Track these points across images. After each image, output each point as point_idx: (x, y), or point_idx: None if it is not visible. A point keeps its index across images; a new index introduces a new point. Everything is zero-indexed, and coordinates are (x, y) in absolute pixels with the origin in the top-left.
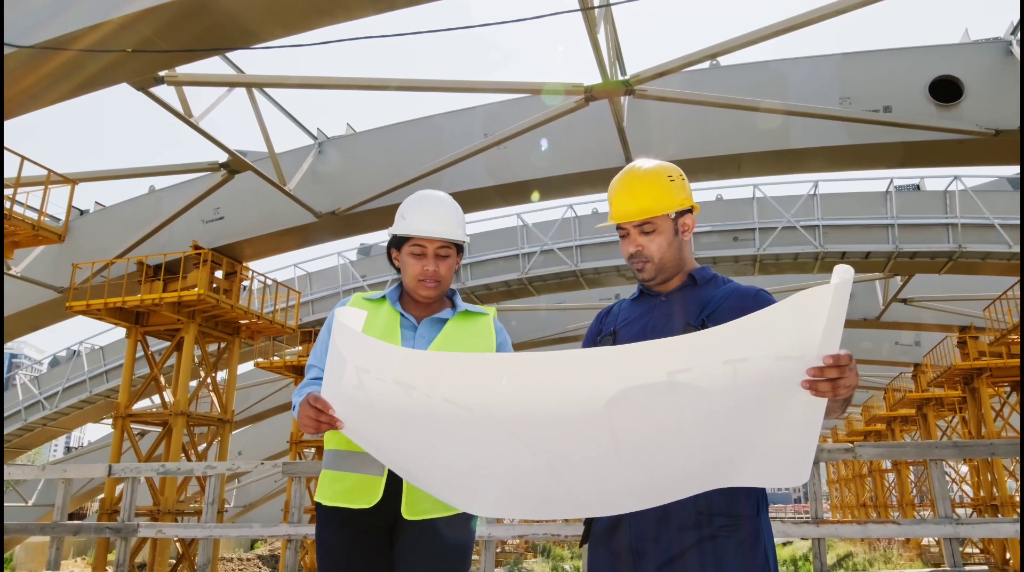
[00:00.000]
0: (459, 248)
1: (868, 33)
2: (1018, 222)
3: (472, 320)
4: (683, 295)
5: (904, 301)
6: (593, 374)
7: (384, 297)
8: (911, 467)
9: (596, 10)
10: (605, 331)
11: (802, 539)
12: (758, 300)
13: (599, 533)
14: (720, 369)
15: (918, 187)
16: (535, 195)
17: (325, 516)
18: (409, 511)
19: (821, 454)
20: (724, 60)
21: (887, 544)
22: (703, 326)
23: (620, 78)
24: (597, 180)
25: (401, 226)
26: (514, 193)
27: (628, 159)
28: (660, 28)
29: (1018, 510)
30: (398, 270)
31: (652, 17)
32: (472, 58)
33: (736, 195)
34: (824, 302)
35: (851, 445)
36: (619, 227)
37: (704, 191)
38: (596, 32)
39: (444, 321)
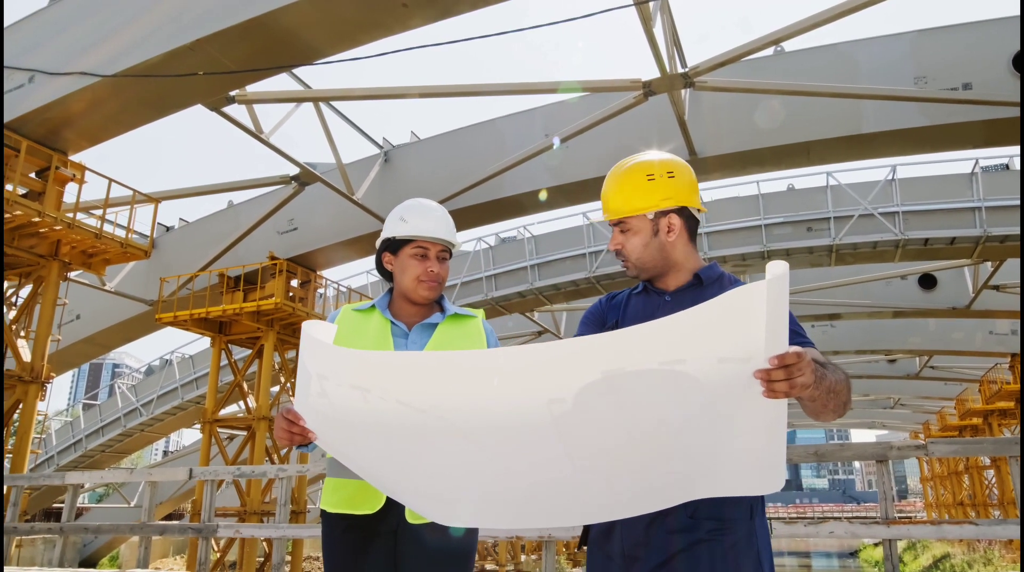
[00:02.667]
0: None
1: (944, 7)
2: None
3: (462, 323)
4: (687, 296)
5: (996, 288)
6: (530, 371)
7: (373, 306)
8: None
9: (651, 3)
10: (609, 320)
11: (872, 542)
12: None
13: (595, 536)
14: (657, 370)
15: (1007, 166)
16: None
17: (330, 522)
18: (412, 515)
19: (891, 452)
20: (788, 45)
21: (987, 545)
22: None
23: (679, 71)
24: None
25: (403, 228)
26: (578, 192)
27: (692, 152)
28: (719, 14)
29: None
30: (387, 276)
31: (711, 4)
32: (532, 59)
33: (808, 184)
34: (759, 300)
35: (923, 442)
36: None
37: (774, 181)
38: (651, 25)
39: (435, 326)
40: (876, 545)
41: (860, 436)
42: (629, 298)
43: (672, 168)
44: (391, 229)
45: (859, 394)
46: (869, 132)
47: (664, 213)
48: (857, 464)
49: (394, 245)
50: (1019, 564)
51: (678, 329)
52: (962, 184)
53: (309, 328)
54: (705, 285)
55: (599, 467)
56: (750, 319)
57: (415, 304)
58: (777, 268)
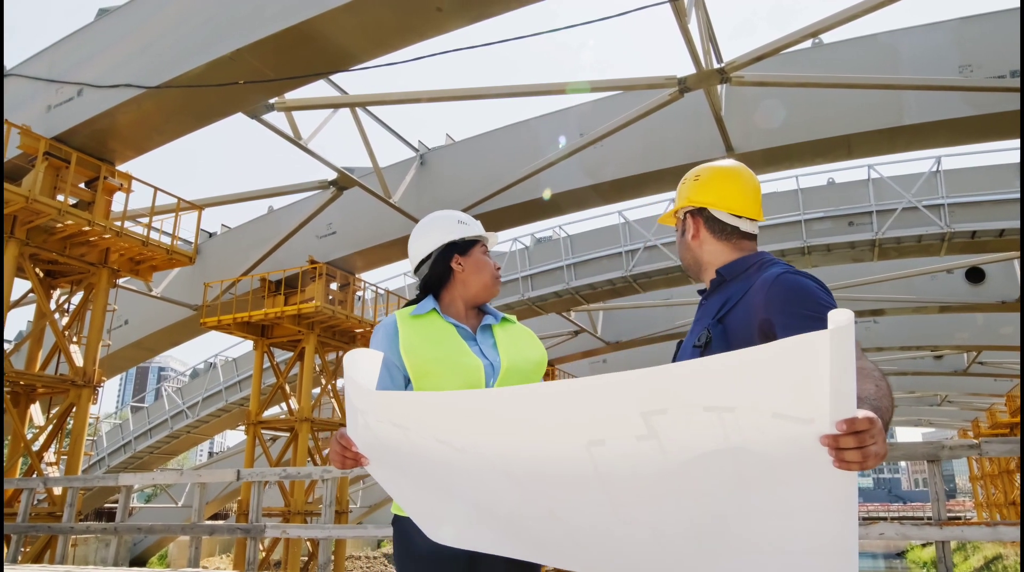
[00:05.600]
0: None
1: None
2: None
3: (509, 325)
4: (713, 295)
5: None
6: (569, 409)
7: (433, 309)
8: None
9: None
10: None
11: (923, 543)
12: (776, 287)
13: None
14: (703, 417)
15: None
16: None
17: (403, 527)
18: None
19: (943, 451)
20: (826, 37)
21: None
22: (710, 333)
23: (715, 66)
24: None
25: (466, 230)
26: (612, 191)
27: (729, 148)
28: (753, 6)
29: None
30: (436, 282)
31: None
32: (564, 59)
33: (849, 177)
34: (821, 351)
35: (976, 441)
36: None
37: (813, 175)
38: (686, 21)
39: (490, 327)
40: (924, 546)
41: (905, 434)
42: None
43: (702, 172)
44: (456, 232)
45: (904, 391)
46: (912, 123)
47: (693, 213)
48: (903, 463)
49: (462, 247)
50: None
51: (724, 372)
52: (1011, 174)
53: (350, 364)
54: (728, 280)
55: (644, 519)
56: (810, 373)
57: (471, 306)
58: (841, 317)
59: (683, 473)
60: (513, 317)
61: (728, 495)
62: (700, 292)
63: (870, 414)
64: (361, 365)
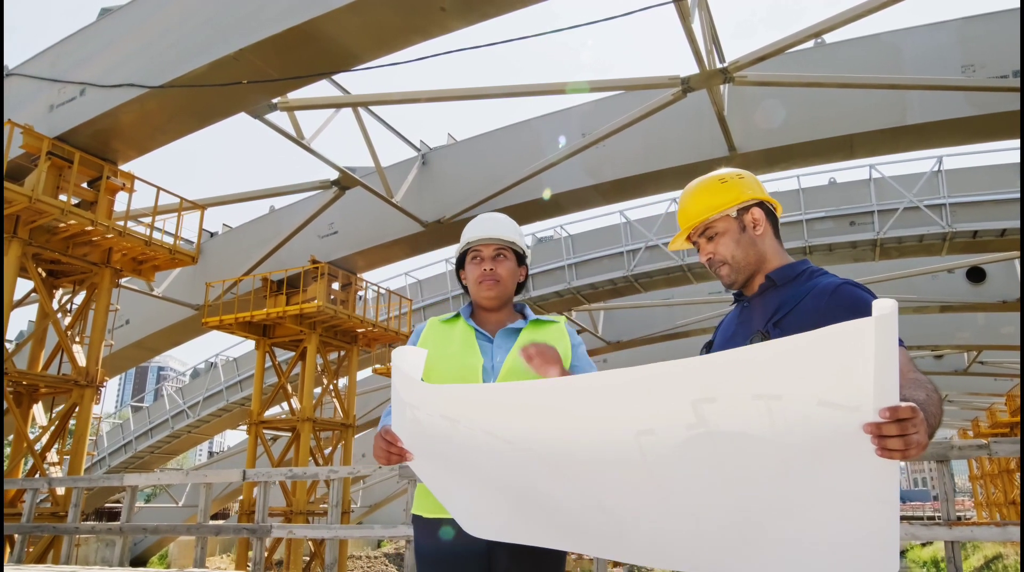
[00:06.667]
0: (519, 258)
1: None
2: None
3: (544, 328)
4: (762, 299)
5: None
6: (616, 400)
7: (458, 315)
8: None
9: None
10: (713, 340)
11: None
12: (837, 297)
13: None
14: (751, 405)
15: None
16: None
17: (423, 528)
18: None
19: (952, 452)
20: (829, 37)
21: None
22: (768, 335)
23: (718, 66)
24: (700, 172)
25: (460, 244)
26: (614, 191)
27: (731, 148)
28: (754, 6)
29: None
30: (467, 292)
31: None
32: (565, 59)
33: (850, 177)
34: (866, 339)
35: (985, 442)
36: (693, 243)
37: (815, 175)
38: (690, 21)
39: (518, 331)
40: (923, 545)
41: None
42: (730, 312)
43: (739, 172)
44: (458, 249)
45: None
46: (914, 123)
47: (746, 209)
48: (903, 462)
49: (461, 262)
50: None
51: (771, 360)
52: (1012, 174)
53: (398, 359)
54: (780, 285)
55: (690, 507)
56: (854, 360)
57: (489, 309)
58: (885, 305)
59: (729, 461)
60: (560, 319)
61: (772, 483)
62: (736, 295)
63: (912, 403)
64: (408, 360)
